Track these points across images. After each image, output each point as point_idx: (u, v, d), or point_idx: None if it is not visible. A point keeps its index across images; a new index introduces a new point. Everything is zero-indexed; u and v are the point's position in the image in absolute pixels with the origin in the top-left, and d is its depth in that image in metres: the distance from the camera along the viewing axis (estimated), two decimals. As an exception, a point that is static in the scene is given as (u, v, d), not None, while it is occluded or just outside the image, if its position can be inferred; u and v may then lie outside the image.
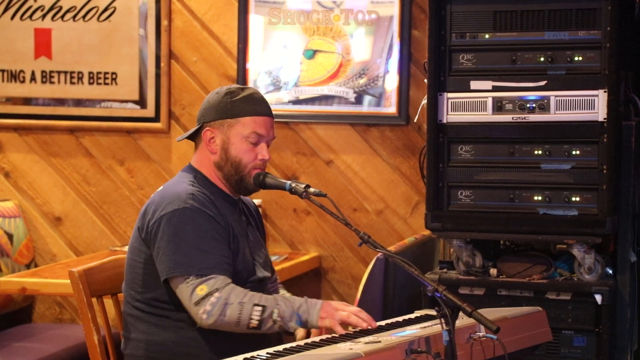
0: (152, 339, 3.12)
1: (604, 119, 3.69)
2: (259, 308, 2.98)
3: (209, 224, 3.07)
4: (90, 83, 5.23)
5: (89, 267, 3.27)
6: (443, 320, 2.61)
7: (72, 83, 5.25)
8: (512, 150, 3.80)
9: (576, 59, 3.73)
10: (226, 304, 2.98)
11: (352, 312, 2.97)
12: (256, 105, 3.20)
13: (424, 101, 3.89)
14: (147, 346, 3.13)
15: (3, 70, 5.31)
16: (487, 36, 3.83)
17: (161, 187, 3.23)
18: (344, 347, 2.62)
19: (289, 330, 3.01)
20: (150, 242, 3.10)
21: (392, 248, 4.20)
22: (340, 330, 2.93)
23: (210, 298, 2.98)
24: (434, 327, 2.84)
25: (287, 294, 3.30)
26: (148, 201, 3.18)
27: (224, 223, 3.12)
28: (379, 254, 3.85)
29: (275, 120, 4.99)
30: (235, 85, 3.26)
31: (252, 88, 3.27)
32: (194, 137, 3.26)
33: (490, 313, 2.94)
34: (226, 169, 3.18)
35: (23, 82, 5.30)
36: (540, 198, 3.77)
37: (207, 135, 3.19)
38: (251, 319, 2.98)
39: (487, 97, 3.82)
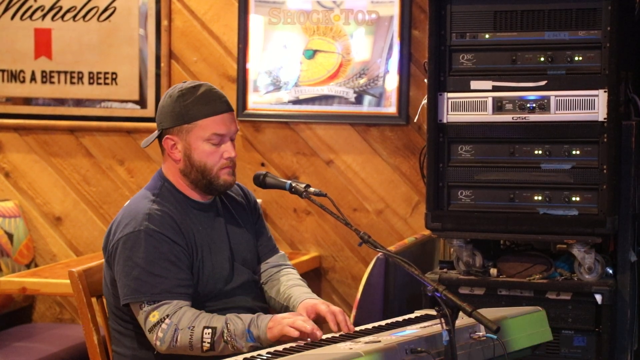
0: (138, 354, 3.09)
1: (604, 119, 3.69)
2: (209, 330, 2.91)
3: (165, 246, 3.00)
4: (90, 83, 5.23)
5: (88, 267, 3.26)
6: (443, 320, 2.61)
7: (72, 83, 5.25)
8: (512, 150, 3.80)
9: (576, 59, 3.73)
10: (176, 329, 2.92)
11: (298, 318, 2.88)
12: (211, 104, 3.08)
13: (424, 101, 3.89)
14: None
15: (3, 70, 5.31)
16: (487, 36, 3.83)
17: (127, 202, 3.16)
18: (344, 347, 2.62)
19: (242, 350, 2.89)
20: (111, 265, 3.07)
21: (392, 248, 4.20)
22: (290, 331, 2.85)
23: (162, 325, 2.93)
24: (434, 327, 2.83)
25: (292, 282, 3.24)
26: (114, 218, 3.12)
27: (184, 242, 3.05)
28: (379, 254, 3.85)
29: (275, 120, 5.05)
30: (187, 84, 3.12)
31: (206, 84, 3.13)
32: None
33: (490, 313, 2.94)
34: (193, 175, 3.09)
35: (23, 82, 5.30)
36: (540, 198, 3.77)
37: (168, 144, 3.08)
38: (203, 342, 2.91)
39: (487, 97, 3.82)
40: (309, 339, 2.85)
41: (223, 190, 3.15)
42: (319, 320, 3.00)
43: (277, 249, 3.39)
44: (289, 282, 3.25)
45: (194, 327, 2.92)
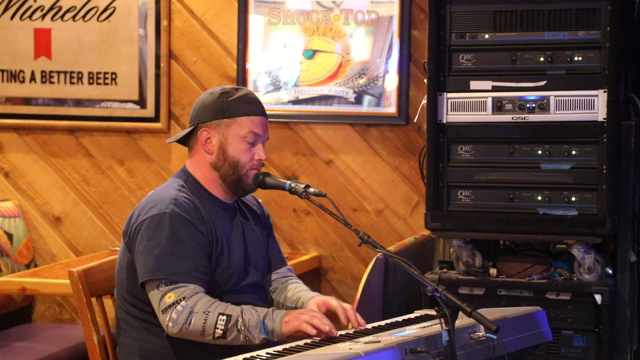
0: (145, 345, 3.11)
1: (604, 119, 3.69)
2: (224, 317, 2.94)
3: (187, 231, 3.05)
4: (90, 83, 5.23)
5: (88, 267, 3.26)
6: (443, 320, 2.62)
7: (71, 83, 5.25)
8: (512, 150, 3.80)
9: (576, 59, 3.73)
10: (191, 312, 2.95)
11: (315, 315, 2.92)
12: (252, 105, 3.18)
13: (424, 101, 3.89)
14: (141, 352, 3.12)
15: (3, 70, 5.31)
16: (487, 36, 3.83)
17: (151, 192, 3.22)
18: (344, 347, 2.62)
19: (254, 342, 2.93)
20: (131, 247, 3.10)
21: (391, 248, 4.20)
22: (307, 328, 2.88)
23: (177, 306, 2.96)
24: (434, 327, 2.84)
25: (300, 288, 3.28)
26: (138, 204, 3.18)
27: (206, 230, 3.09)
28: (379, 254, 3.85)
29: (275, 120, 5.05)
30: (229, 86, 3.24)
31: (246, 88, 3.25)
32: (186, 139, 3.24)
33: (490, 313, 2.94)
34: (224, 169, 3.16)
35: (23, 82, 5.30)
36: (540, 198, 3.77)
37: (203, 136, 3.17)
38: (216, 328, 2.94)
39: (486, 97, 3.82)
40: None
41: (248, 190, 3.21)
42: (329, 315, 3.03)
43: (286, 262, 3.44)
44: (297, 288, 3.29)
45: (209, 312, 2.95)
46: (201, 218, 3.09)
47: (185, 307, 2.95)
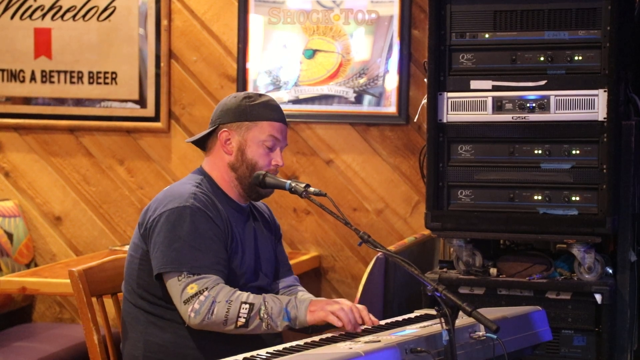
0: (150, 339, 3.12)
1: (604, 118, 3.69)
2: (247, 306, 2.96)
3: (207, 224, 3.07)
4: (90, 83, 5.23)
5: (88, 266, 3.27)
6: (443, 320, 2.62)
7: (72, 83, 5.25)
8: (512, 149, 3.80)
9: (576, 58, 3.73)
10: (214, 302, 2.97)
11: (343, 308, 2.94)
12: (273, 111, 3.22)
13: (424, 101, 3.89)
14: (145, 346, 3.13)
15: (3, 70, 5.31)
16: (487, 36, 3.83)
17: (167, 187, 3.24)
18: (344, 347, 2.62)
19: (276, 329, 2.97)
20: (147, 238, 3.11)
21: (392, 247, 4.20)
22: (333, 320, 2.91)
23: (200, 297, 2.97)
24: (434, 326, 2.84)
25: (308, 295, 3.29)
26: (152, 199, 3.20)
27: (223, 225, 3.12)
28: (379, 254, 3.86)
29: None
30: (252, 92, 3.29)
31: (269, 95, 3.29)
32: (204, 141, 3.27)
33: (490, 312, 2.94)
34: (241, 171, 3.19)
35: (23, 81, 5.30)
36: (540, 198, 3.77)
37: (223, 137, 3.20)
38: (239, 317, 2.96)
39: (487, 97, 3.82)
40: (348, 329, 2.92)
41: (263, 195, 3.25)
42: None
43: (292, 271, 3.46)
44: (304, 295, 3.31)
45: (231, 301, 2.97)
46: (218, 214, 3.13)
47: (207, 297, 2.97)
